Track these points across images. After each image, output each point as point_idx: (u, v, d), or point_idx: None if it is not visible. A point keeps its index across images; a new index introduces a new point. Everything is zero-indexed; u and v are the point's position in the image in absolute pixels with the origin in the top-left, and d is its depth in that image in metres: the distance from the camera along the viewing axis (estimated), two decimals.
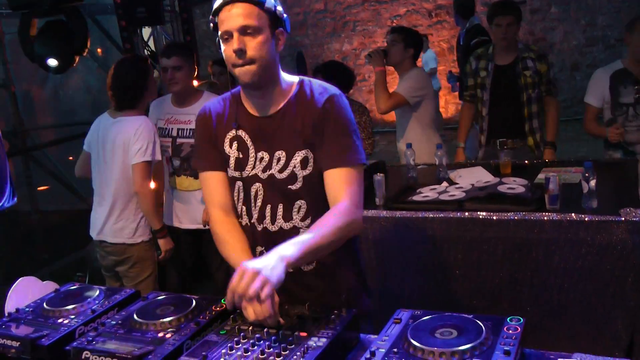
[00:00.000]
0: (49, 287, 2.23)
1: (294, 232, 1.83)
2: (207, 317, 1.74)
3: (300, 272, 1.83)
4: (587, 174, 2.57)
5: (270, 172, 1.82)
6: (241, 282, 1.46)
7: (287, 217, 1.84)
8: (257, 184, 1.84)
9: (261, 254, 1.86)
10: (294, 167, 1.79)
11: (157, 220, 3.25)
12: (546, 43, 8.44)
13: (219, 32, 1.73)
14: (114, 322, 1.78)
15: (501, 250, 2.67)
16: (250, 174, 1.85)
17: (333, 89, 1.83)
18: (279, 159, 1.80)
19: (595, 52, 8.33)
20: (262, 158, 1.83)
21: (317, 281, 1.88)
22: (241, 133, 1.86)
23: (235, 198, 1.90)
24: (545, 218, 2.56)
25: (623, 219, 2.43)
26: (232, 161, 1.87)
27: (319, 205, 1.80)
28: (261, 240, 1.88)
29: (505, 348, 1.38)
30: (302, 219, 1.84)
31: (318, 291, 1.87)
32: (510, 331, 1.47)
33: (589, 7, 8.28)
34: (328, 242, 1.66)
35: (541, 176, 3.12)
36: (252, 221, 1.88)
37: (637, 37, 3.40)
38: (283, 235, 1.81)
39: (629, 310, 2.49)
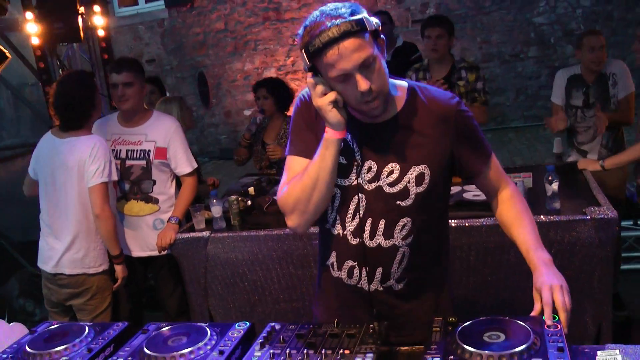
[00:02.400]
0: (18, 329, 2.02)
1: (393, 250, 1.71)
2: (230, 344, 1.64)
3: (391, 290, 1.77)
4: (550, 177, 2.71)
5: (377, 183, 1.67)
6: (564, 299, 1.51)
7: (388, 234, 1.70)
8: (360, 194, 1.68)
9: (352, 269, 1.76)
10: (408, 182, 1.66)
11: (116, 244, 3.04)
12: None
13: (327, 74, 1.53)
14: None
15: (474, 255, 2.74)
16: (353, 183, 1.69)
17: (453, 96, 1.72)
18: (391, 172, 1.67)
19: (492, 67, 8.85)
20: (370, 168, 1.68)
21: (410, 292, 1.79)
22: (347, 136, 1.68)
23: (329, 205, 1.74)
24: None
25: (589, 217, 2.58)
26: None
27: (423, 224, 1.71)
28: (354, 255, 1.73)
29: (558, 345, 1.41)
30: (404, 238, 1.70)
31: (412, 303, 1.80)
32: (552, 329, 1.51)
33: (484, 25, 8.78)
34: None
35: None
36: (345, 233, 1.73)
37: (584, 53, 3.70)
38: (379, 253, 1.71)
39: (596, 303, 2.64)
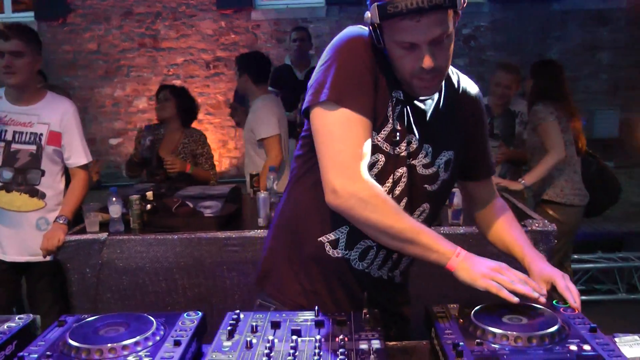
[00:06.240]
0: None
1: None
2: (185, 335, 1.30)
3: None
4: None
5: (413, 161, 1.47)
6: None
7: None
8: (404, 168, 1.45)
9: (366, 250, 1.49)
10: (439, 166, 1.51)
11: None
12: None
13: (392, 35, 1.33)
14: (36, 356, 1.22)
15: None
16: (402, 154, 1.44)
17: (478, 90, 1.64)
18: (427, 153, 1.48)
19: None
20: (410, 142, 1.46)
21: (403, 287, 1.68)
22: (407, 102, 1.45)
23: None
24: (457, 231, 2.55)
25: (529, 228, 2.53)
26: (387, 128, 1.42)
27: (435, 213, 1.58)
28: None
29: (591, 326, 1.26)
30: None
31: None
32: (571, 312, 1.37)
33: None
34: None
35: None
36: None
37: (491, 84, 3.83)
38: None
39: None
